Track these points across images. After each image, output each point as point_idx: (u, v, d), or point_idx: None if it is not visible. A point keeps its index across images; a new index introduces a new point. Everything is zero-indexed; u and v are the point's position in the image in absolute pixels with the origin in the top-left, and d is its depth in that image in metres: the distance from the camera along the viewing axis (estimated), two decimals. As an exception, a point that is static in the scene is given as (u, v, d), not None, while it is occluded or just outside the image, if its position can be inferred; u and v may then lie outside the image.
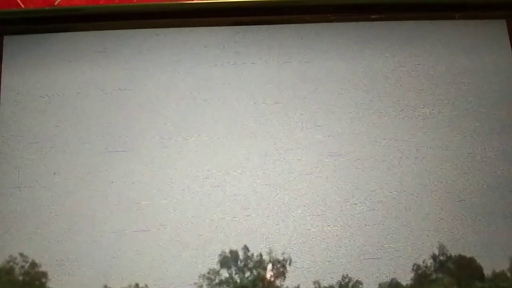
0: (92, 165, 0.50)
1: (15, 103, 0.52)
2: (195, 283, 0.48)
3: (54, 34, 0.53)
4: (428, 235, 0.50)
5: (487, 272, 0.49)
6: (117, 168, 0.50)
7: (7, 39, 0.53)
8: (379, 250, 0.49)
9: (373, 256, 0.49)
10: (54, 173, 0.50)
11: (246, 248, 0.49)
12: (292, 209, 0.50)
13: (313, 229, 0.49)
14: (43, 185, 0.49)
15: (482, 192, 0.51)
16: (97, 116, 0.52)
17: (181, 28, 0.55)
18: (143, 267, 0.48)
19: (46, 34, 0.53)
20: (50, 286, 0.47)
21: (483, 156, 0.52)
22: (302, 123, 0.52)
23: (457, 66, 0.54)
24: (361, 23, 0.55)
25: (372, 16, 0.54)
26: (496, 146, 0.53)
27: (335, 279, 0.48)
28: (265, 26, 0.55)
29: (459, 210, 0.51)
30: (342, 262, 0.49)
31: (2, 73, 0.52)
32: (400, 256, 0.49)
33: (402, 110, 0.53)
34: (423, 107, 0.53)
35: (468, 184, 0.51)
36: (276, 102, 0.53)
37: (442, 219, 0.50)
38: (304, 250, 0.49)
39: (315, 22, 0.54)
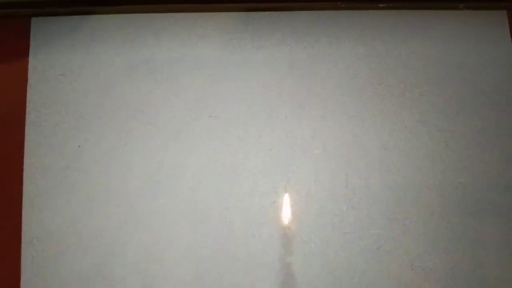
0: (115, 139, 0.53)
1: (42, 80, 0.55)
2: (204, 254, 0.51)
3: (79, 17, 0.56)
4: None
5: None
6: (137, 142, 0.53)
7: (34, 21, 0.56)
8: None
9: None
10: (79, 146, 0.53)
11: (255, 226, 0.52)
12: (304, 188, 0.53)
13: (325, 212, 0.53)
14: (68, 157, 0.52)
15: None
16: (120, 94, 0.54)
17: (199, 13, 0.57)
18: (157, 235, 0.51)
19: (71, 17, 0.56)
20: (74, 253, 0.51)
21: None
22: (313, 104, 0.55)
23: (459, 54, 0.57)
24: (370, 11, 0.57)
25: (380, 5, 0.57)
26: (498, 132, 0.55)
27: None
28: (278, 13, 0.57)
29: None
30: None
31: (30, 52, 0.55)
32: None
33: (407, 93, 0.55)
34: (425, 91, 0.56)
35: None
36: (289, 83, 0.55)
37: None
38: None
39: (327, 10, 0.57)
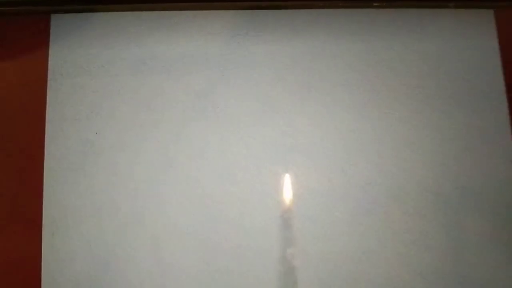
0: (129, 126, 0.57)
1: (62, 75, 0.59)
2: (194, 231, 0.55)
3: (97, 14, 0.60)
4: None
5: None
6: (146, 129, 0.57)
7: (54, 17, 0.60)
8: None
9: None
10: (96, 133, 0.57)
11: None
12: (303, 178, 0.57)
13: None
14: (86, 142, 0.57)
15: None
16: (131, 88, 0.58)
17: (204, 11, 0.61)
18: (174, 219, 0.55)
19: (89, 13, 0.60)
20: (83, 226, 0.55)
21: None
22: (313, 98, 0.58)
23: (450, 51, 0.60)
24: (366, 9, 0.61)
25: (375, 4, 0.60)
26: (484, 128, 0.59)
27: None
28: (280, 11, 0.61)
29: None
30: None
31: (50, 48, 0.59)
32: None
33: (403, 87, 0.59)
34: (419, 86, 0.59)
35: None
36: (290, 78, 0.59)
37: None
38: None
39: (326, 8, 0.60)
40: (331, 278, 0.54)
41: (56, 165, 0.56)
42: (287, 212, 0.56)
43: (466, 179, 0.57)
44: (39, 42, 0.59)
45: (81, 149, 0.57)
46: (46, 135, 0.57)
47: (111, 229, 0.55)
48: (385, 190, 0.56)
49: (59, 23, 0.60)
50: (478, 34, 0.61)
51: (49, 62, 0.59)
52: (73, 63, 0.59)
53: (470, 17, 0.61)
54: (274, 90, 0.59)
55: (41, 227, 0.55)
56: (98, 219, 0.55)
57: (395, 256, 0.55)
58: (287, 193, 0.56)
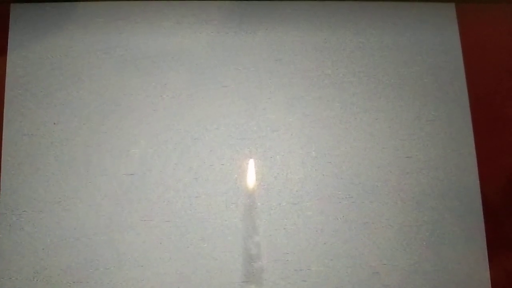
0: (88, 117, 0.57)
1: (21, 66, 0.58)
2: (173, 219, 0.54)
3: (58, 3, 0.59)
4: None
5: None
6: (110, 120, 0.57)
7: (13, 7, 0.59)
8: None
9: None
10: (54, 123, 0.56)
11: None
12: (261, 163, 0.57)
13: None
14: (44, 133, 0.56)
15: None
16: (94, 77, 0.58)
17: (194, 2, 0.61)
18: (130, 206, 0.55)
19: (50, 3, 0.59)
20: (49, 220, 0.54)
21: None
22: (300, 88, 0.59)
23: (409, 46, 0.60)
24: (328, 2, 0.61)
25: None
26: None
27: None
28: (267, 2, 0.61)
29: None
30: None
31: (9, 39, 0.58)
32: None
33: (372, 78, 0.60)
34: (377, 81, 0.60)
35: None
36: (278, 69, 0.59)
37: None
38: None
39: (310, 0, 0.61)
40: (299, 269, 0.54)
41: (13, 153, 0.55)
42: (254, 201, 0.55)
43: (430, 171, 0.57)
44: (-3, 31, 0.59)
45: (38, 140, 0.56)
46: (4, 125, 0.56)
47: (69, 222, 0.54)
48: (350, 180, 0.56)
49: (19, 13, 0.59)
50: (439, 27, 0.61)
51: (8, 51, 0.58)
52: (33, 52, 0.58)
53: (431, 10, 0.62)
54: (264, 81, 0.59)
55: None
56: (55, 211, 0.54)
57: (368, 245, 0.55)
58: (255, 183, 0.56)
